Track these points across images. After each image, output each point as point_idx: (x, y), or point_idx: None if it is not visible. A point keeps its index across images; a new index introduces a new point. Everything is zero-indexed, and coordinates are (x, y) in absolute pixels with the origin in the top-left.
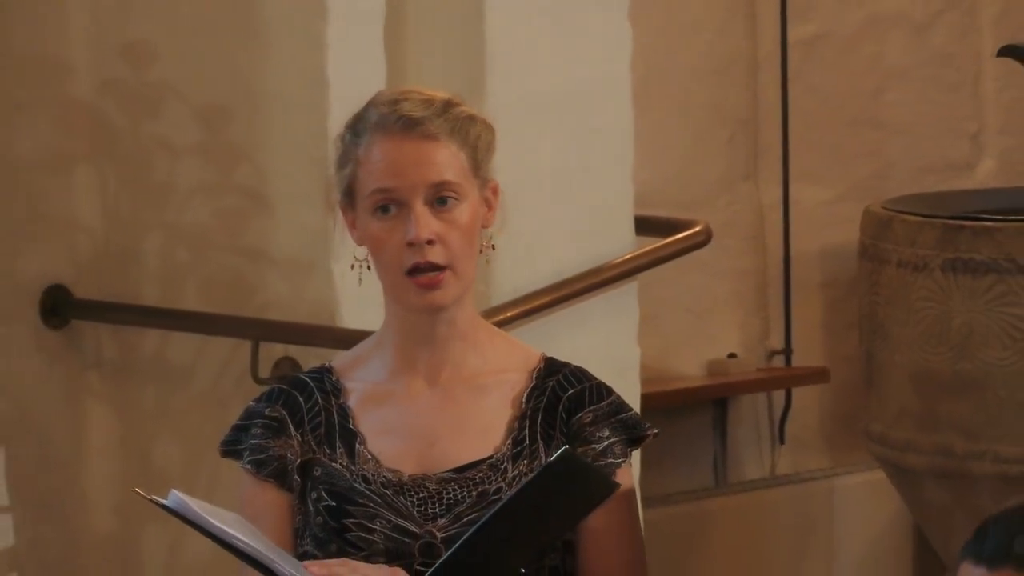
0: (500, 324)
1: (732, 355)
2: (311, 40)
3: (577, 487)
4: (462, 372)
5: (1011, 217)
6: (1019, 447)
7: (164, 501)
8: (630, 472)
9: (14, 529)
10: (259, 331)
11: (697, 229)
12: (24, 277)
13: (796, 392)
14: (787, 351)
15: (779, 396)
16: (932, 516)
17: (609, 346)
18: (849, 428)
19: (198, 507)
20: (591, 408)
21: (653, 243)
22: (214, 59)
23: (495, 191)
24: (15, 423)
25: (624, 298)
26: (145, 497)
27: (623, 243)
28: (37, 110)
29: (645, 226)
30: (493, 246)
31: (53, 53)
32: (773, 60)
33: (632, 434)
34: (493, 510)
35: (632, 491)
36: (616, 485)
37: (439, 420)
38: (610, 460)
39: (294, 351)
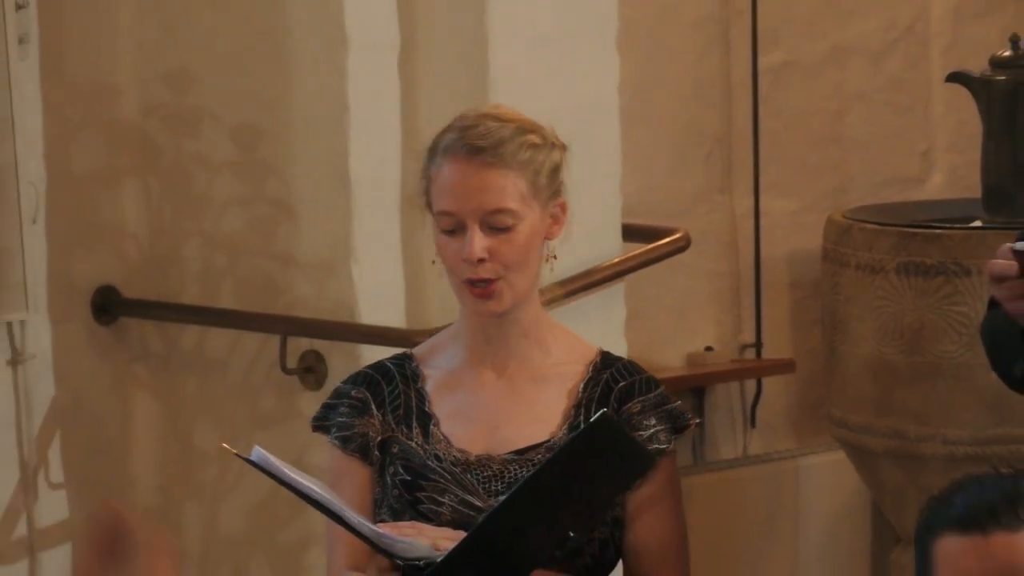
0: None
1: (709, 348)
2: (333, 68)
3: (616, 453)
4: (526, 365)
5: (957, 225)
6: (965, 430)
7: (249, 456)
8: (674, 457)
9: (68, 504)
10: (287, 327)
11: (678, 236)
12: (78, 279)
13: (766, 381)
14: (758, 345)
15: (751, 385)
16: (887, 492)
17: (599, 340)
18: (813, 413)
19: (277, 462)
20: (639, 399)
21: (638, 248)
22: (247, 85)
23: (563, 208)
24: (70, 410)
25: (612, 298)
26: (231, 452)
27: (611, 248)
28: (90, 130)
29: (631, 233)
30: (555, 256)
31: (104, 79)
32: (745, 85)
33: (676, 423)
34: (538, 467)
35: (676, 473)
36: (654, 459)
37: (504, 408)
38: (655, 446)
39: (318, 345)
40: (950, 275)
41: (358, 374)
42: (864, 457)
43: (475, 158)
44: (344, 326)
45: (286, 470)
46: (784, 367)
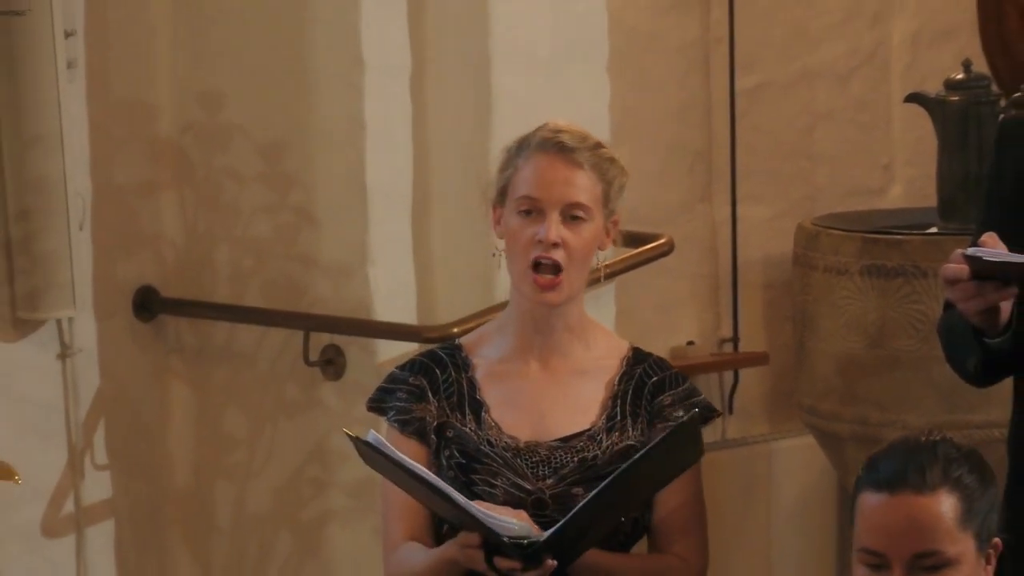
0: None
1: (691, 342)
2: (351, 89)
3: (686, 448)
4: (568, 358)
5: (915, 232)
6: (922, 417)
7: (367, 439)
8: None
9: (111, 483)
10: (309, 323)
11: (663, 241)
12: (120, 280)
13: (742, 372)
14: (735, 339)
15: (728, 376)
16: (852, 473)
17: None
18: (785, 402)
19: (390, 445)
20: (670, 392)
21: (627, 252)
22: (273, 104)
23: (616, 223)
24: (113, 398)
25: (604, 297)
26: (350, 436)
27: (603, 252)
28: (132, 146)
29: (622, 238)
30: (606, 266)
31: (144, 100)
32: (724, 105)
33: (703, 415)
34: (631, 460)
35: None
36: (701, 454)
37: (548, 397)
38: None
39: (337, 339)
40: (909, 277)
41: (414, 362)
42: (831, 441)
43: (565, 155)
44: (361, 323)
45: (397, 453)
46: (759, 360)
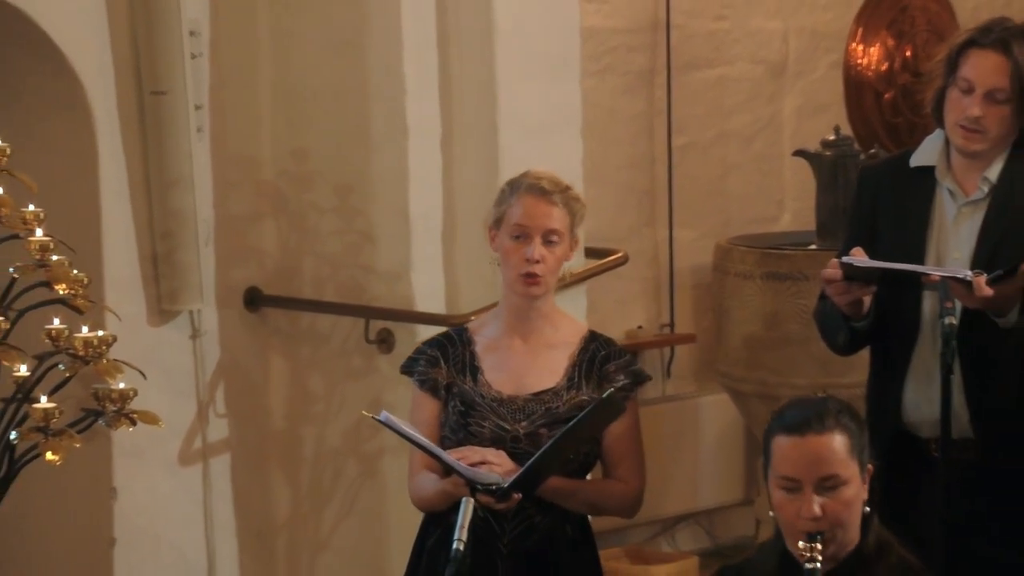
0: None
1: (640, 327)
2: (398, 147)
3: (608, 412)
4: (542, 336)
5: (800, 248)
6: (805, 380)
7: (378, 418)
8: (636, 399)
9: (228, 427)
10: (369, 313)
11: (620, 254)
12: (234, 282)
13: (677, 348)
14: (671, 324)
15: (667, 351)
16: (756, 421)
17: None
18: (707, 369)
19: (397, 419)
20: (615, 362)
21: (594, 263)
22: (343, 157)
23: (576, 241)
24: (229, 367)
25: (578, 294)
26: (368, 415)
27: (577, 262)
28: (242, 187)
29: (590, 252)
30: (578, 273)
31: (251, 154)
32: (663, 158)
33: (637, 379)
34: (568, 425)
35: (637, 409)
36: (623, 409)
37: (526, 364)
38: (624, 393)
39: (389, 324)
40: (795, 280)
41: (433, 339)
42: (740, 397)
43: (545, 196)
44: (406, 312)
45: (402, 425)
46: (688, 339)
